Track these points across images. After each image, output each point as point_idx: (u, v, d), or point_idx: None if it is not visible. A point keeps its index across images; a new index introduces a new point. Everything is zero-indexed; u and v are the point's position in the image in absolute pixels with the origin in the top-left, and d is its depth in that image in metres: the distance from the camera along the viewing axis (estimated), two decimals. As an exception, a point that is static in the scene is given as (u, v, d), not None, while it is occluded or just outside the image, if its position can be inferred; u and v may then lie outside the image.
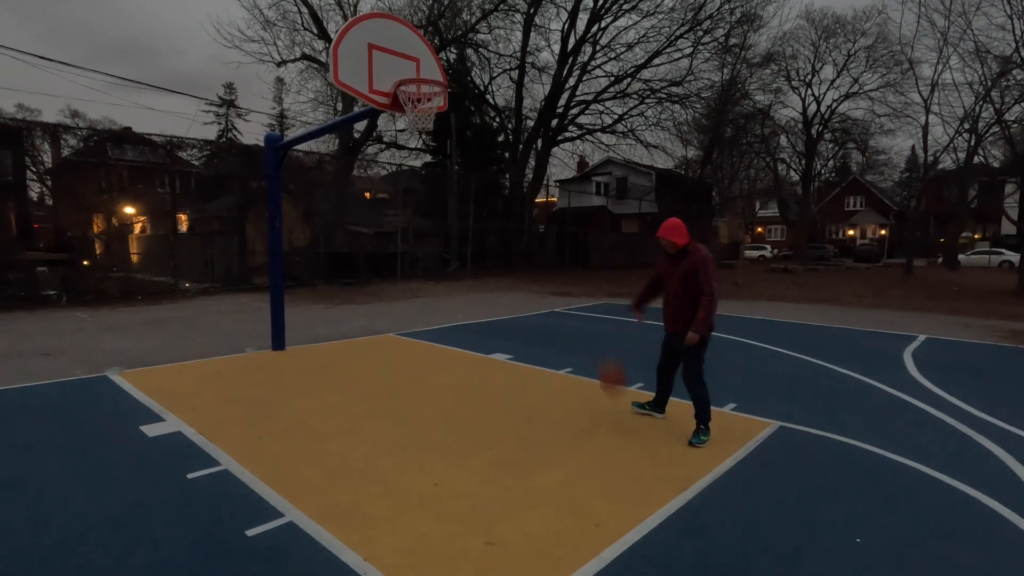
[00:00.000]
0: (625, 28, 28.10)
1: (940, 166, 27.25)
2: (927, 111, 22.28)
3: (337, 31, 5.66)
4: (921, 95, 22.79)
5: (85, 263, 12.44)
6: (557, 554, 2.56)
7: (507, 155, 25.01)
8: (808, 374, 6.17)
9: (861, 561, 2.56)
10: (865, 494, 3.23)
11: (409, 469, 3.48)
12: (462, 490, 3.20)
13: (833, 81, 30.70)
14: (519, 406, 4.81)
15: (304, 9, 18.53)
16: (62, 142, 13.54)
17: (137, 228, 14.44)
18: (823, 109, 31.74)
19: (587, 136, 26.40)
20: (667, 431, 4.24)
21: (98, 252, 12.85)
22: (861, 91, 29.80)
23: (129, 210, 14.11)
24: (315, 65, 20.10)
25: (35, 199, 14.91)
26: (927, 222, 37.59)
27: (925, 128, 22.68)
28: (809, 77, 31.18)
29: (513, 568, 2.45)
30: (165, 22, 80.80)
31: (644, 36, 23.58)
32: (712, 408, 4.03)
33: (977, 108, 21.09)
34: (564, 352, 7.17)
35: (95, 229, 12.94)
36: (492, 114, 25.22)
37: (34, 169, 13.17)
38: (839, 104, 31.32)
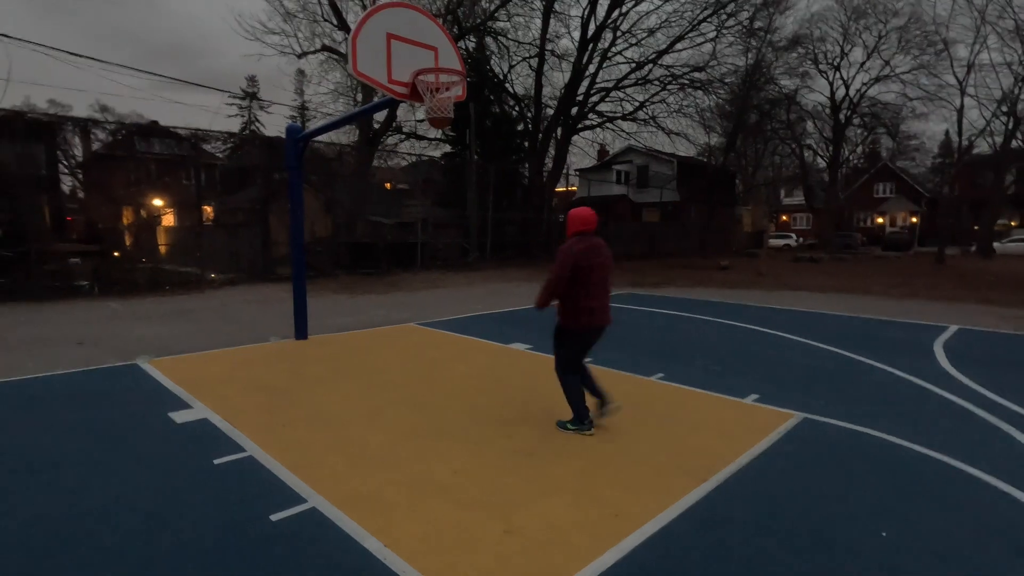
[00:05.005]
0: (647, 13, 27.55)
1: (975, 151, 26.35)
2: (962, 93, 21.55)
3: (356, 21, 5.67)
4: (956, 77, 21.97)
5: (116, 254, 12.78)
6: (576, 542, 2.56)
7: (527, 144, 24.85)
8: (833, 365, 6.04)
9: (887, 555, 2.51)
10: (892, 488, 3.17)
11: (429, 457, 3.51)
12: (481, 478, 3.22)
13: (863, 64, 29.74)
14: (538, 395, 4.81)
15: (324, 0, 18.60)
16: (92, 136, 13.86)
17: (164, 220, 14.75)
18: (852, 93, 30.81)
19: (607, 124, 26.05)
20: (687, 422, 4.21)
21: (128, 244, 13.18)
22: (892, 74, 28.81)
23: (157, 202, 14.43)
24: (335, 56, 20.18)
25: (67, 192, 15.31)
26: (960, 209, 36.37)
27: (960, 111, 21.94)
28: (837, 60, 30.26)
29: (532, 555, 2.47)
30: (208, 24, 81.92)
31: (666, 21, 23.12)
32: (733, 399, 3.94)
33: (1016, 90, 20.31)
34: (584, 342, 7.13)
35: (124, 221, 13.27)
36: (511, 103, 25.04)
37: (66, 163, 13.50)
38: (869, 88, 30.36)
